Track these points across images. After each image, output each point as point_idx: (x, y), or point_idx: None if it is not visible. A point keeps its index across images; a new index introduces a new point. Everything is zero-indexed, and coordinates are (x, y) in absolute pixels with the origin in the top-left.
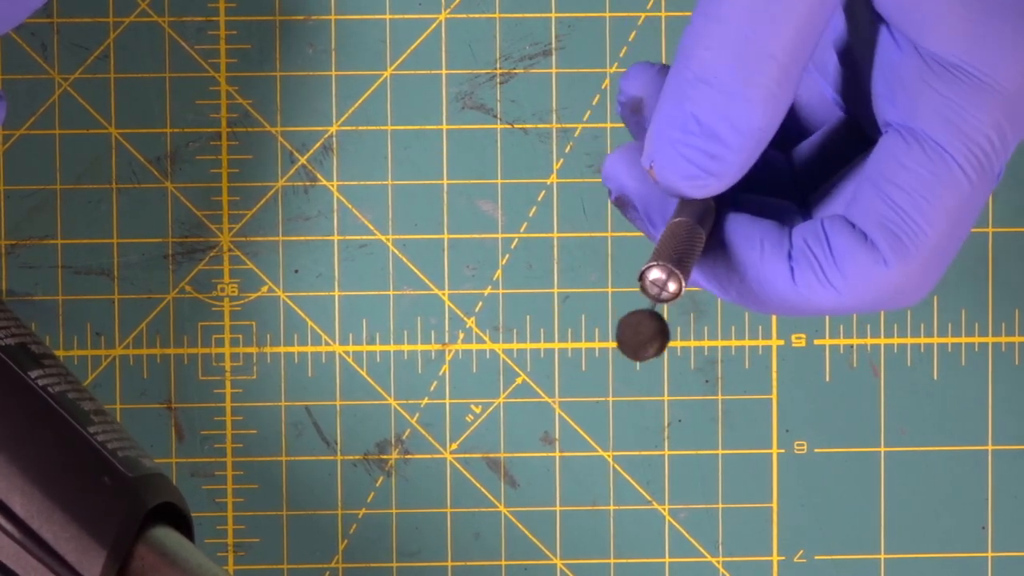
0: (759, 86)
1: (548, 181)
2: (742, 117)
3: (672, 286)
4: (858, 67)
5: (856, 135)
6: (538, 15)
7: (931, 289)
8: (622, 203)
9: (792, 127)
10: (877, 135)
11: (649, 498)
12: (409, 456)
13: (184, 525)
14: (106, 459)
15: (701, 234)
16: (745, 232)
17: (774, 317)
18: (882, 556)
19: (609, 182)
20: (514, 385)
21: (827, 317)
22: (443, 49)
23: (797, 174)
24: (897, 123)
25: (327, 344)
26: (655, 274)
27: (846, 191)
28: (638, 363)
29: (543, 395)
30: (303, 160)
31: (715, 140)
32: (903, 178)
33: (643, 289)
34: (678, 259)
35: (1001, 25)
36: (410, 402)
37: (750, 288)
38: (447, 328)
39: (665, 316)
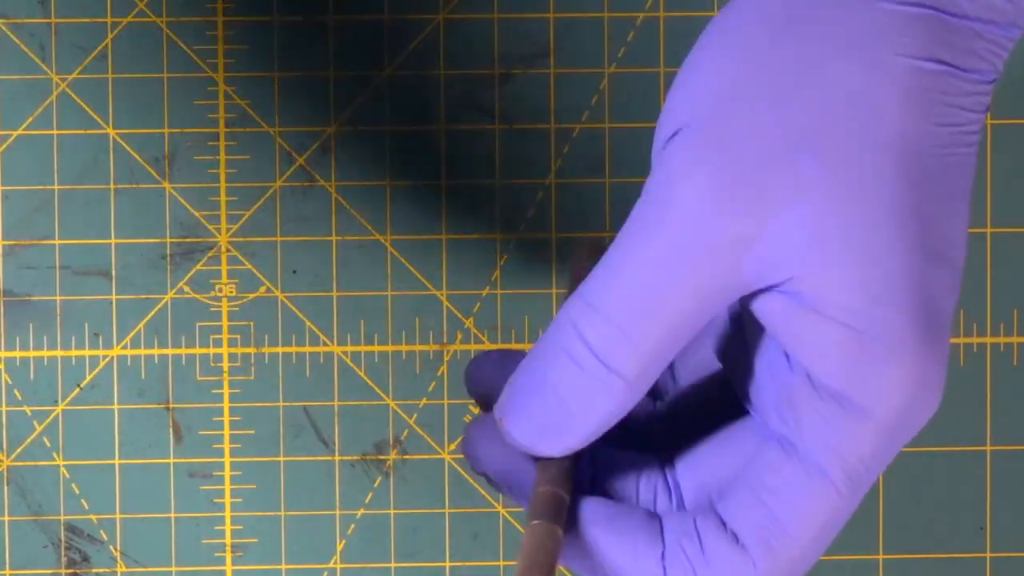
0: (622, 377)
1: (546, 182)
2: (598, 401)
3: None
4: (748, 348)
5: (728, 395)
6: (536, 15)
7: None
8: (485, 476)
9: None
10: (748, 405)
11: None
12: (407, 456)
13: None
14: None
15: (558, 535)
16: (618, 529)
17: None
18: (880, 556)
19: (473, 461)
20: None
21: None
22: (441, 50)
23: (660, 418)
24: (780, 435)
25: (325, 344)
26: None
27: (717, 472)
28: None
29: None
30: (301, 160)
31: (567, 413)
32: (780, 489)
33: None
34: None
35: (880, 364)
36: (408, 402)
37: None
38: (445, 328)
39: None
